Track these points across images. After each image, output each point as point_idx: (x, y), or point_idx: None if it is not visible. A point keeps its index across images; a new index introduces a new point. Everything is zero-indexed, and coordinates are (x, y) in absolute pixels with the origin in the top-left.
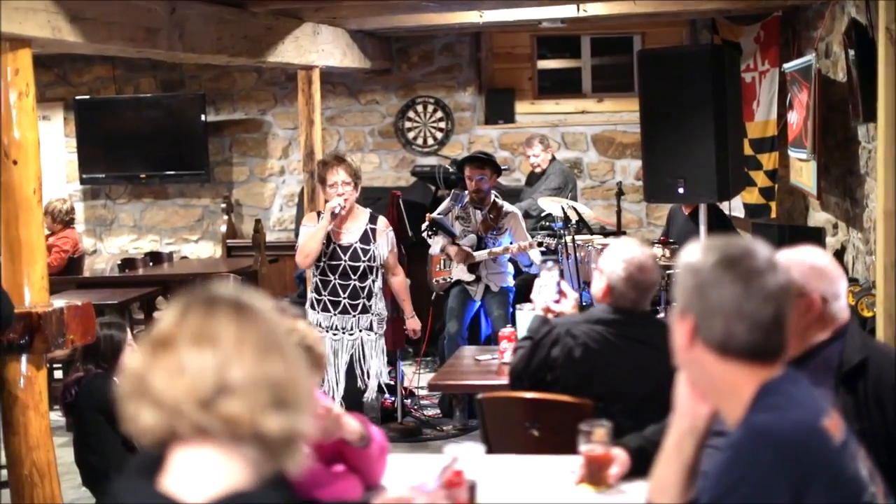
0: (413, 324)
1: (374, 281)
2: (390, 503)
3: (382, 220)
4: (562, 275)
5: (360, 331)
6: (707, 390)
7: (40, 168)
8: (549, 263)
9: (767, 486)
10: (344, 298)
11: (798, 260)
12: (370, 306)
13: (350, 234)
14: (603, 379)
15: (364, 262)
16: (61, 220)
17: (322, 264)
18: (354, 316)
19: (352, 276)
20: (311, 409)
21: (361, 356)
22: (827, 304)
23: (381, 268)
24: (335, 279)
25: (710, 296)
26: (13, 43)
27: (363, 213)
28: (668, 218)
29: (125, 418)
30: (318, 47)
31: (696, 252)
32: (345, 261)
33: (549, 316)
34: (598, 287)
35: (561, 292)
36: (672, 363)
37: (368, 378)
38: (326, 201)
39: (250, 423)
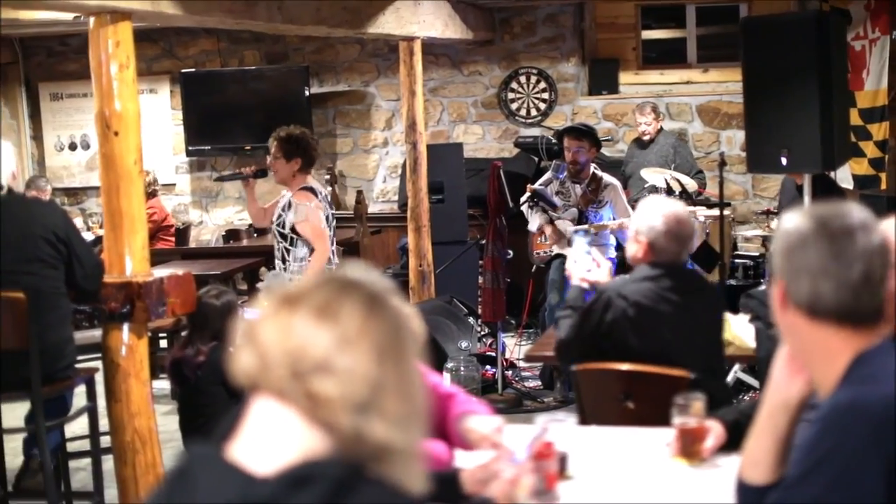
0: None
1: (286, 248)
2: (479, 474)
3: (305, 194)
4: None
5: None
6: (802, 358)
7: (140, 139)
8: (581, 233)
9: (857, 462)
10: (277, 260)
11: None
12: (286, 268)
13: (281, 202)
14: (661, 334)
15: (277, 227)
16: (144, 191)
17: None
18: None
19: (279, 240)
20: (418, 431)
21: None
22: None
23: (295, 235)
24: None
25: (797, 256)
26: (114, 16)
27: (299, 185)
28: (781, 189)
29: (232, 357)
30: (419, 18)
31: (790, 217)
32: (273, 226)
33: (586, 285)
34: (635, 249)
35: (594, 262)
36: (721, 306)
37: None
38: None
39: (334, 410)
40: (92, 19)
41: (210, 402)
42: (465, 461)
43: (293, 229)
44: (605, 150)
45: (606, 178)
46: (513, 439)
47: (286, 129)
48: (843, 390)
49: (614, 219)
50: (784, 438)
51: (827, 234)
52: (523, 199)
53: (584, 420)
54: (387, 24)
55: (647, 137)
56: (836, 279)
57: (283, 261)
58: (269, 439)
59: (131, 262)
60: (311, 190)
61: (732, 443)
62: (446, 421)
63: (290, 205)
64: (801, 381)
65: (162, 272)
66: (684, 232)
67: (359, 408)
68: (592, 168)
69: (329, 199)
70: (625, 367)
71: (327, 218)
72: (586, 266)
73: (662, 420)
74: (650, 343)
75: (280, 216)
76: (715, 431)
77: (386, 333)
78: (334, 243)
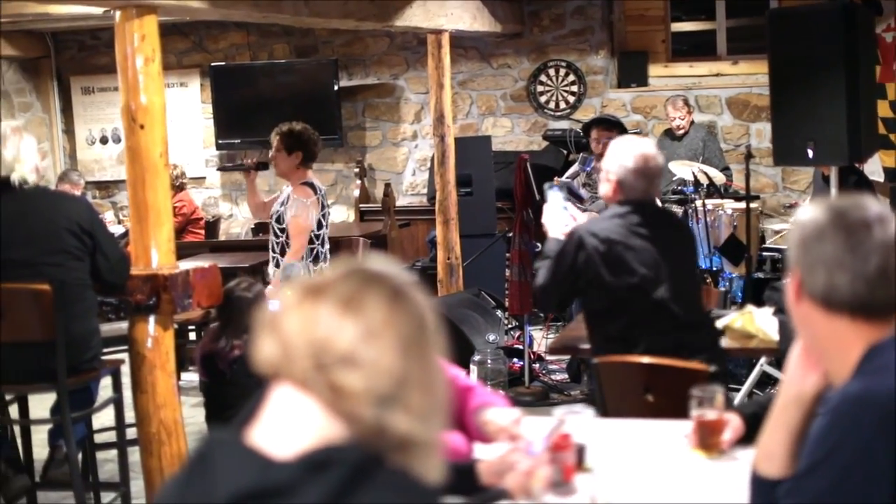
0: None
1: (285, 242)
2: (495, 465)
3: (304, 189)
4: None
5: None
6: (816, 350)
7: (166, 132)
8: (556, 188)
9: (867, 453)
10: (274, 253)
11: None
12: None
13: (280, 197)
14: (633, 267)
15: (275, 222)
16: (172, 185)
17: None
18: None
19: (276, 234)
20: (439, 423)
21: None
22: None
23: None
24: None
25: (812, 248)
26: (139, 9)
27: (300, 180)
28: (812, 181)
29: (255, 344)
30: (447, 11)
31: (807, 209)
32: (272, 220)
33: (562, 238)
34: (606, 189)
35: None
36: (693, 241)
37: None
38: None
39: (357, 402)
40: (118, 13)
41: (241, 394)
42: (483, 453)
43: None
44: None
45: None
46: (532, 431)
47: (288, 125)
48: (854, 382)
49: None
50: (798, 432)
51: (843, 226)
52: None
53: (606, 413)
54: (414, 17)
55: (681, 132)
56: (852, 272)
57: (282, 254)
58: (289, 425)
59: (157, 255)
60: (311, 186)
61: (751, 435)
62: (465, 413)
63: (288, 199)
64: (815, 374)
65: (188, 265)
66: (652, 168)
67: (382, 401)
68: None
69: (325, 195)
70: (645, 360)
71: (323, 216)
72: (563, 220)
73: (682, 413)
74: (623, 277)
75: (278, 211)
76: (733, 424)
77: (410, 326)
78: (326, 243)
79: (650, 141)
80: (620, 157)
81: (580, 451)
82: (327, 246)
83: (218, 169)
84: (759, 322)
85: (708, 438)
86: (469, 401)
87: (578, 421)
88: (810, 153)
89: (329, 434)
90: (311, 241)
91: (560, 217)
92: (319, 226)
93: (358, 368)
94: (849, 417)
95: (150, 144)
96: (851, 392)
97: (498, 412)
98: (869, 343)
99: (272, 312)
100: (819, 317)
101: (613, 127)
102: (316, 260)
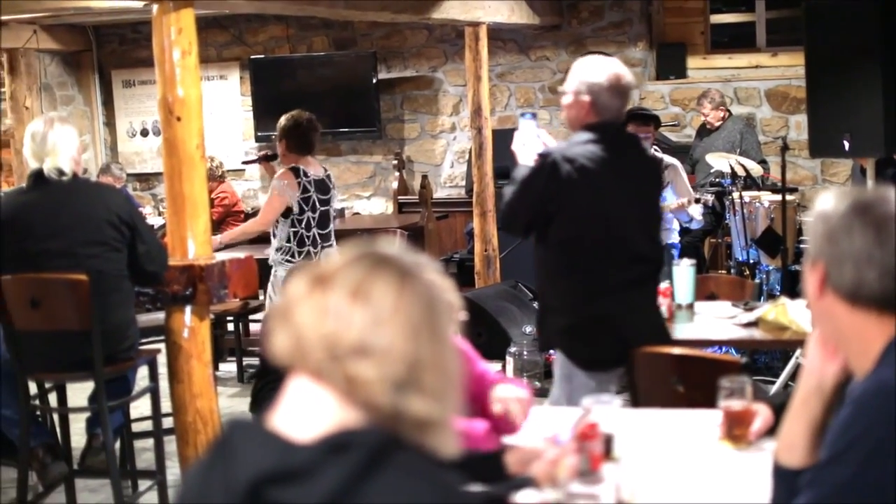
0: None
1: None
2: (522, 454)
3: (286, 172)
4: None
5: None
6: (837, 342)
7: (202, 124)
8: (528, 116)
9: (889, 444)
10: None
11: None
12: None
13: None
14: (603, 196)
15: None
16: (212, 176)
17: None
18: None
19: None
20: (454, 401)
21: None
22: None
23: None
24: None
25: (840, 242)
26: (176, 3)
27: (288, 165)
28: (851, 174)
29: (268, 334)
30: (485, 3)
31: (828, 200)
32: None
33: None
34: (577, 110)
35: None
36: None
37: None
38: None
39: (373, 391)
40: (155, 6)
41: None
42: (511, 442)
43: None
44: (672, 136)
45: (667, 158)
46: (560, 422)
47: (287, 114)
48: (877, 373)
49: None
50: (819, 422)
51: (872, 220)
52: None
53: (637, 403)
54: (451, 9)
55: (710, 126)
56: (882, 266)
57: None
58: (307, 411)
59: (193, 246)
60: (294, 170)
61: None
62: (487, 400)
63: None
64: (835, 364)
65: (224, 256)
66: (625, 85)
67: (397, 386)
68: (653, 149)
69: (317, 181)
70: (676, 350)
71: (306, 200)
72: (535, 148)
73: (712, 403)
74: (593, 205)
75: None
76: (762, 415)
77: (419, 308)
78: (312, 227)
79: (616, 60)
80: (591, 75)
81: (608, 441)
82: (314, 230)
83: (242, 163)
84: (791, 314)
85: (735, 429)
86: (488, 388)
87: (606, 410)
88: (846, 145)
89: (346, 419)
90: (294, 225)
91: (532, 145)
92: (301, 210)
93: (371, 357)
94: (871, 408)
95: (187, 137)
96: (874, 384)
97: (506, 388)
98: (890, 336)
99: (283, 303)
100: (843, 310)
101: (650, 121)
102: (302, 243)
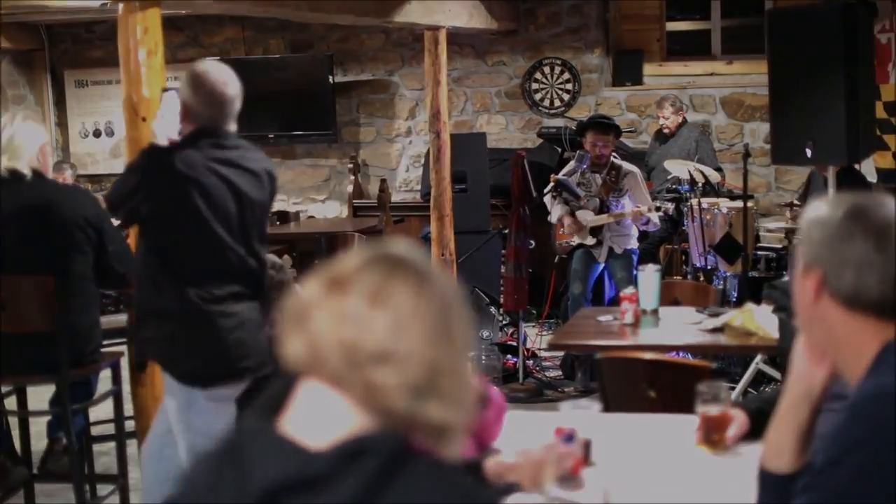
0: None
1: None
2: (501, 463)
3: None
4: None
5: None
6: (830, 349)
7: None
8: (172, 90)
9: (885, 451)
10: None
11: None
12: None
13: None
14: (201, 203)
15: None
16: None
17: None
18: None
19: None
20: (468, 405)
21: None
22: None
23: None
24: None
25: (840, 247)
26: (143, 3)
27: None
28: (807, 182)
29: (279, 339)
30: (445, 7)
31: (822, 206)
32: None
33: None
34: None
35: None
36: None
37: None
38: None
39: (391, 397)
40: (121, 6)
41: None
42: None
43: None
44: (628, 142)
45: (626, 165)
46: (538, 428)
47: None
48: (871, 379)
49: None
50: (806, 428)
51: (871, 226)
52: (547, 189)
53: (608, 408)
54: (413, 13)
55: (667, 132)
56: (881, 272)
57: None
58: (321, 417)
59: None
60: None
61: (755, 431)
62: None
63: None
64: (823, 370)
65: None
66: (224, 95)
67: (416, 392)
68: (612, 157)
69: None
70: (648, 355)
71: None
72: (174, 126)
73: (684, 409)
74: (187, 206)
75: None
76: (738, 420)
77: (437, 313)
78: None
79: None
80: (187, 83)
81: (587, 446)
82: None
83: None
84: (758, 320)
85: (713, 434)
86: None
87: (584, 416)
88: (809, 153)
89: (360, 425)
90: None
91: (171, 122)
92: None
93: (391, 363)
94: (867, 414)
95: (152, 137)
96: (872, 389)
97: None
98: (883, 341)
99: (296, 307)
100: (839, 315)
101: (609, 130)
102: None
